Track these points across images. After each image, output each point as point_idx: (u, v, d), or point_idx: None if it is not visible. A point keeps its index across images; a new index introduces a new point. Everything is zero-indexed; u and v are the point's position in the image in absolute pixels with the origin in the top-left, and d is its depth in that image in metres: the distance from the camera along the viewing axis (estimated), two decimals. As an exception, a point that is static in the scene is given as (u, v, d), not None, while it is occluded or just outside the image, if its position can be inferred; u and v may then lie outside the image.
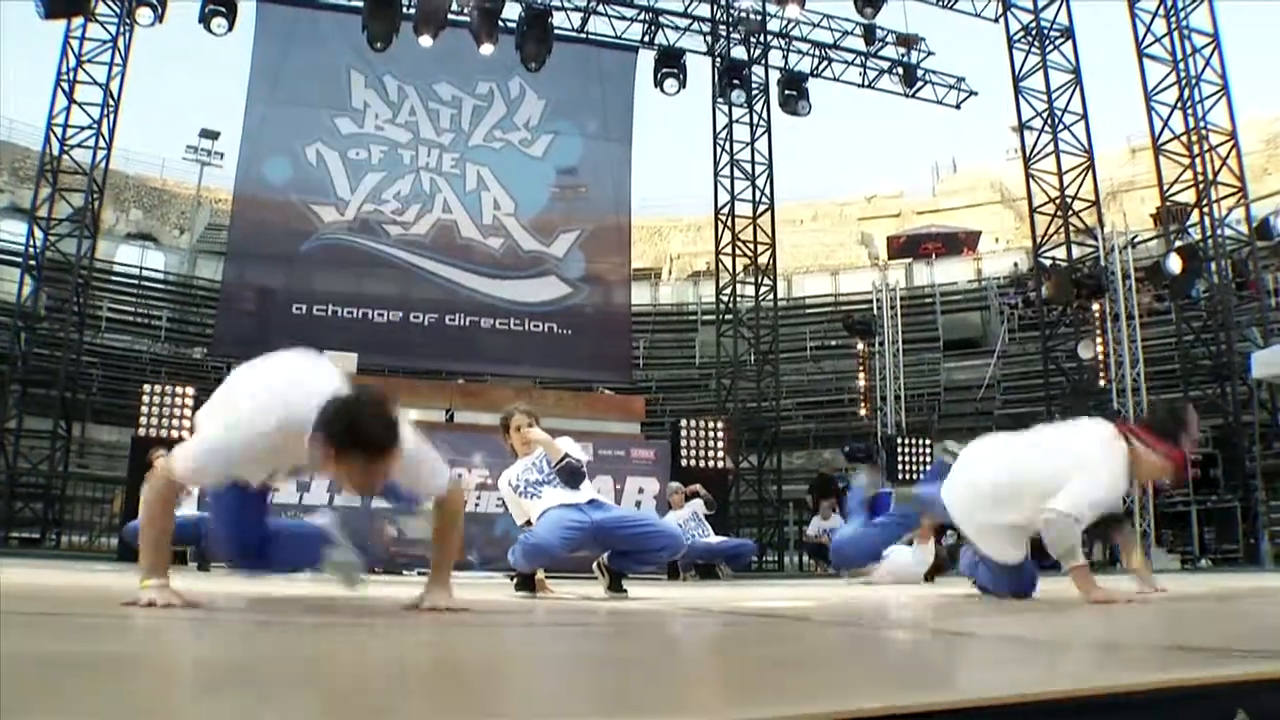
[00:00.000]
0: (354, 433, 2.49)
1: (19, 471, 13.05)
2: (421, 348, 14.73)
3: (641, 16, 16.33)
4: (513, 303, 15.37)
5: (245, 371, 3.04)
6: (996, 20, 16.17)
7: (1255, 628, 2.64)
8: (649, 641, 2.36)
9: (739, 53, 16.90)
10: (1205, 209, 13.99)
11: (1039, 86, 15.49)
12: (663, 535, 4.72)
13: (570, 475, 4.61)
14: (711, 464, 11.84)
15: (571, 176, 16.13)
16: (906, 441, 14.50)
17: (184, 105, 60.31)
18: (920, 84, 17.13)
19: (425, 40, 14.06)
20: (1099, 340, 14.56)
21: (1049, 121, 15.29)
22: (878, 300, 18.95)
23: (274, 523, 3.27)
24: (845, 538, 6.48)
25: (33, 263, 13.44)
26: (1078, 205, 15.03)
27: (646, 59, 16.39)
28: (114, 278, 22.26)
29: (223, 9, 13.66)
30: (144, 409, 10.54)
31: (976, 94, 17.55)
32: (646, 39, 16.45)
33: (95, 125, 13.85)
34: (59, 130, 13.69)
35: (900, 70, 16.98)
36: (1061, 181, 15.09)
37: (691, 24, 16.60)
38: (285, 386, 2.74)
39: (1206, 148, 14.10)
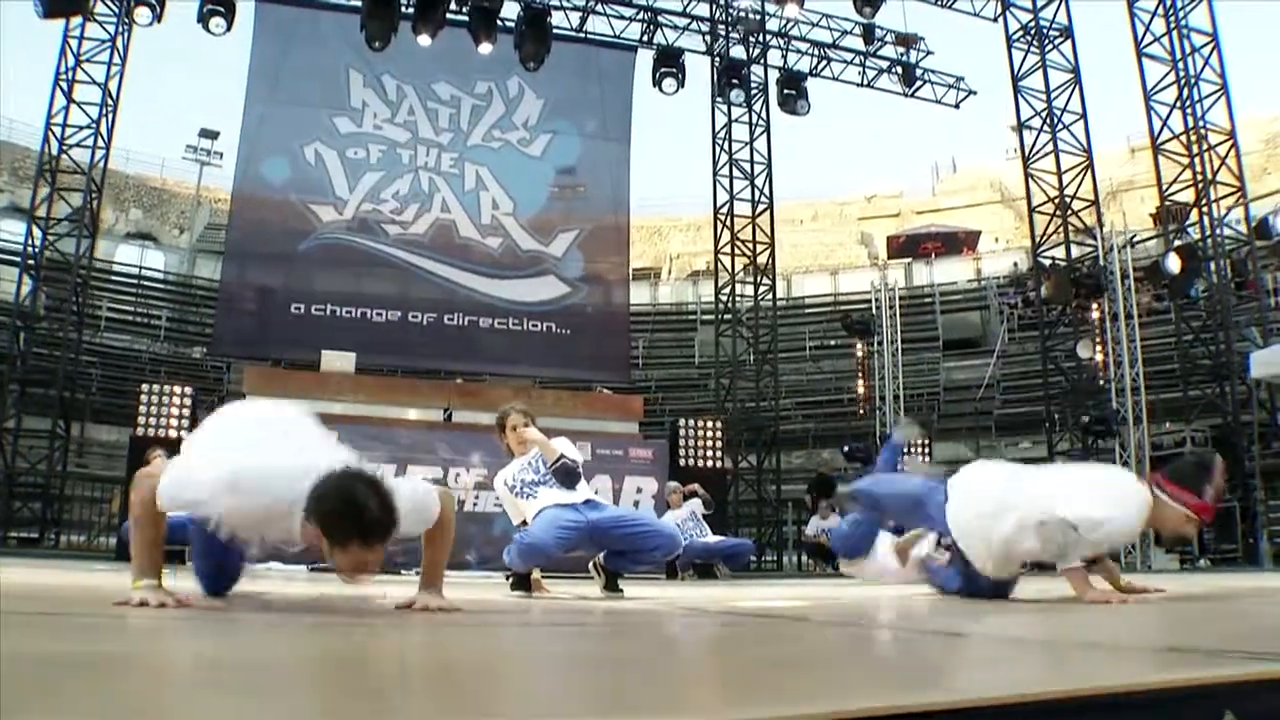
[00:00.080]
0: (355, 523, 2.42)
1: (17, 471, 13.06)
2: (420, 347, 14.72)
3: (640, 16, 16.33)
4: (511, 302, 15.37)
5: (232, 429, 2.88)
6: (995, 20, 16.18)
7: (1249, 628, 2.64)
8: (644, 641, 2.36)
9: (738, 52, 16.90)
10: (1204, 208, 13.99)
11: (1038, 86, 15.49)
12: (658, 535, 4.72)
13: (565, 476, 4.61)
14: (710, 464, 11.84)
15: (570, 176, 16.12)
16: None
17: (183, 105, 60.32)
18: (919, 83, 17.13)
19: (424, 40, 14.05)
20: (1098, 340, 14.56)
21: (1048, 121, 15.29)
22: (876, 300, 18.95)
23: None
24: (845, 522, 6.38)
25: (31, 262, 13.44)
26: (1077, 205, 15.02)
27: (645, 58, 16.41)
28: (113, 277, 22.27)
29: (221, 8, 13.65)
30: (142, 409, 10.54)
31: (975, 93, 17.57)
32: (645, 38, 16.45)
33: (94, 125, 13.86)
34: (58, 130, 13.70)
35: (899, 70, 16.98)
36: (1060, 181, 15.09)
37: (690, 23, 16.60)
38: (274, 470, 2.61)
39: (1205, 147, 14.10)
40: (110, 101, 14.01)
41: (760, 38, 16.97)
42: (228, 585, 3.20)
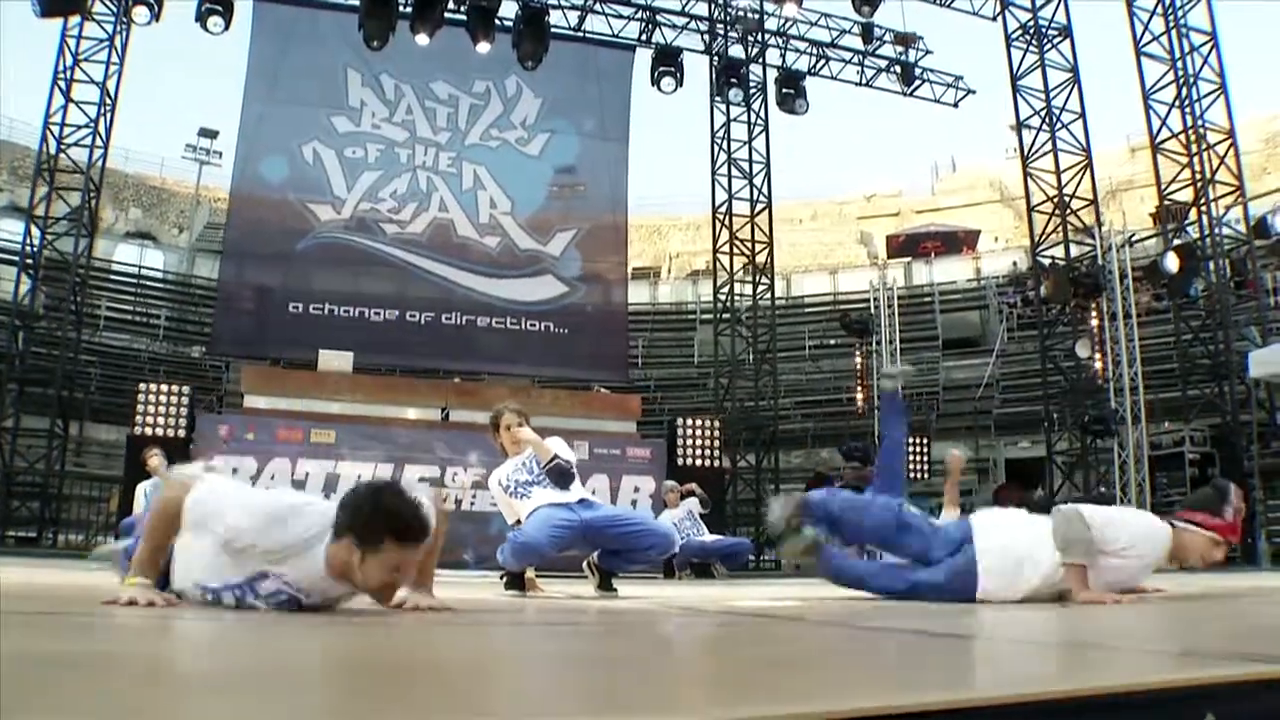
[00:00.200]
0: (388, 521, 2.44)
1: (16, 470, 13.06)
2: (418, 346, 14.72)
3: (639, 15, 16.32)
4: (510, 302, 15.36)
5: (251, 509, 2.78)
6: (994, 19, 16.18)
7: (1243, 629, 2.63)
8: (638, 641, 2.35)
9: (736, 51, 16.88)
10: (1203, 208, 13.98)
11: (1037, 85, 15.48)
12: (653, 534, 4.71)
13: (559, 476, 4.60)
14: (707, 463, 11.84)
15: (569, 175, 16.12)
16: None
17: (183, 104, 60.34)
18: (918, 83, 17.13)
19: (422, 39, 14.04)
20: (1096, 339, 14.56)
21: (1047, 120, 15.28)
22: (875, 300, 18.94)
23: None
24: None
25: (30, 262, 13.43)
26: (1076, 204, 15.02)
27: (644, 58, 16.41)
28: (113, 276, 22.26)
29: (219, 8, 13.64)
30: (140, 408, 10.55)
31: (974, 92, 17.57)
32: (644, 37, 16.44)
33: (92, 124, 13.85)
34: (56, 129, 13.70)
35: (898, 69, 16.97)
36: (1059, 180, 15.08)
37: (689, 22, 16.59)
38: (308, 505, 2.68)
39: (1204, 146, 14.09)
40: (109, 101, 14.00)
41: (759, 37, 16.96)
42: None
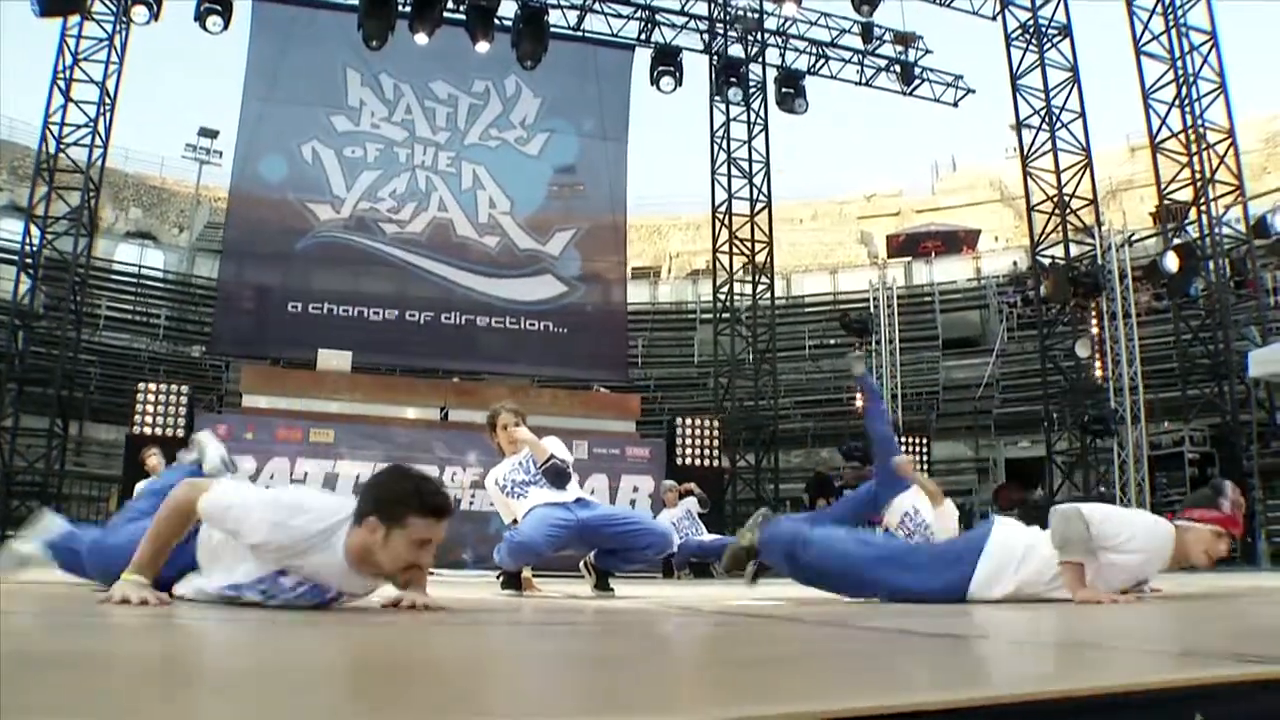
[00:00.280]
0: (415, 493, 2.49)
1: (15, 470, 13.07)
2: (418, 346, 14.73)
3: (638, 14, 16.32)
4: (509, 301, 15.37)
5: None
6: (994, 18, 16.18)
7: (1237, 629, 2.63)
8: (634, 641, 2.35)
9: (736, 51, 16.88)
10: (1202, 207, 13.97)
11: (1037, 85, 15.48)
12: (649, 534, 4.71)
13: (556, 476, 4.60)
14: (707, 462, 11.84)
15: (569, 175, 16.13)
16: (903, 440, 14.48)
17: (184, 104, 60.32)
18: (918, 82, 17.13)
19: (421, 38, 14.05)
20: (1096, 339, 14.55)
21: (1047, 120, 15.27)
22: (875, 299, 18.94)
23: None
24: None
25: (29, 261, 13.44)
26: (1076, 204, 15.01)
27: (643, 57, 16.41)
28: (113, 276, 22.25)
29: (218, 7, 13.64)
30: (139, 407, 10.55)
31: (974, 92, 17.57)
32: (643, 37, 16.44)
33: (92, 124, 13.87)
34: (55, 129, 13.71)
35: (898, 68, 16.98)
36: (1059, 180, 15.08)
37: (688, 22, 16.59)
38: (326, 500, 2.73)
39: (1204, 146, 14.08)
40: (108, 100, 14.01)
41: (758, 36, 16.96)
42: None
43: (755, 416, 16.12)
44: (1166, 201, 14.63)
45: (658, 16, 16.37)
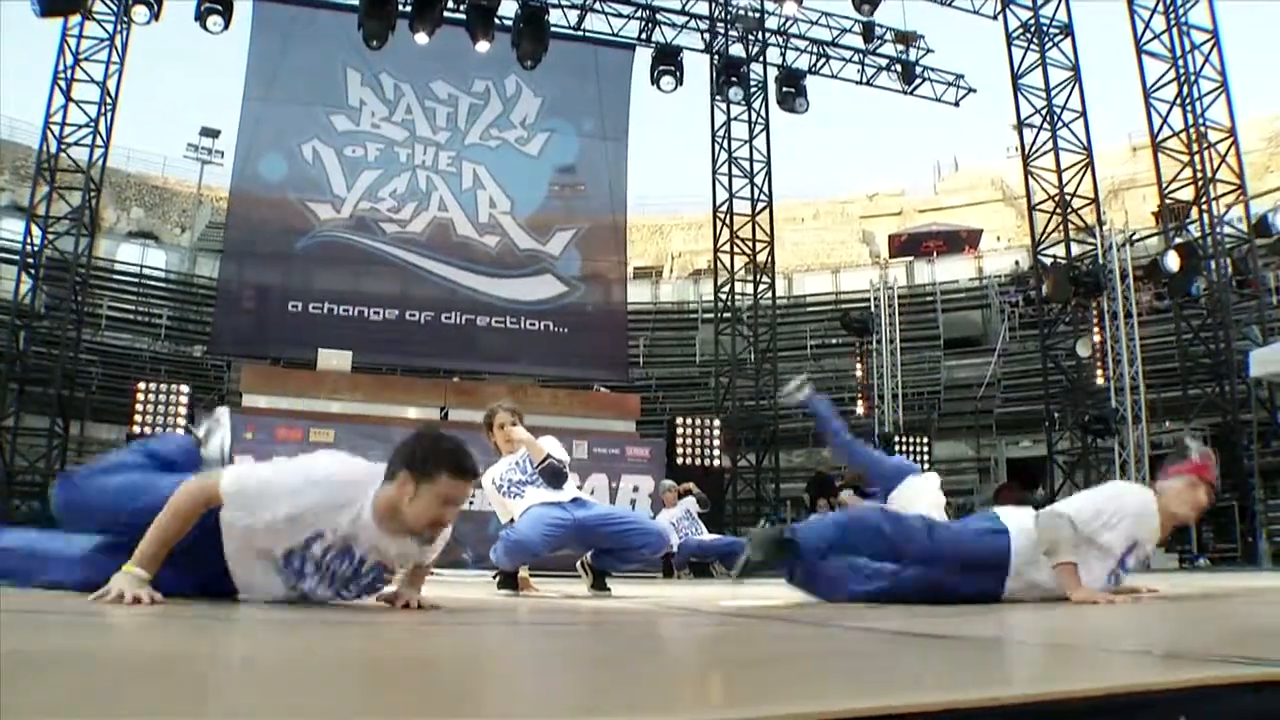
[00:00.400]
0: (448, 451, 2.60)
1: (16, 470, 13.09)
2: (418, 346, 14.76)
3: (638, 14, 16.33)
4: (509, 301, 15.39)
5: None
6: (995, 17, 16.17)
7: (1232, 630, 2.62)
8: (629, 641, 2.34)
9: (737, 50, 16.88)
10: (1204, 206, 13.95)
11: (1038, 84, 15.46)
12: (646, 533, 4.70)
13: (552, 476, 4.60)
14: (707, 462, 11.83)
15: (569, 175, 16.14)
16: (904, 440, 14.51)
17: (186, 104, 60.45)
18: (919, 81, 17.13)
19: (421, 38, 14.06)
20: (1097, 339, 14.52)
21: (1048, 119, 15.26)
22: (876, 298, 18.92)
23: None
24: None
25: (30, 261, 13.46)
26: (1077, 203, 14.99)
27: (644, 56, 16.42)
28: (115, 276, 22.28)
29: (219, 6, 13.67)
30: (138, 407, 10.57)
31: (975, 91, 17.57)
32: (643, 36, 16.44)
33: (93, 123, 13.89)
34: (56, 128, 13.73)
35: (899, 67, 16.98)
36: (1060, 179, 15.06)
37: (689, 21, 16.60)
38: (351, 464, 2.80)
39: (1205, 145, 14.06)
40: (109, 100, 14.04)
41: (759, 35, 16.96)
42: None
43: (756, 416, 16.12)
44: (1168, 201, 14.61)
45: (658, 16, 16.38)
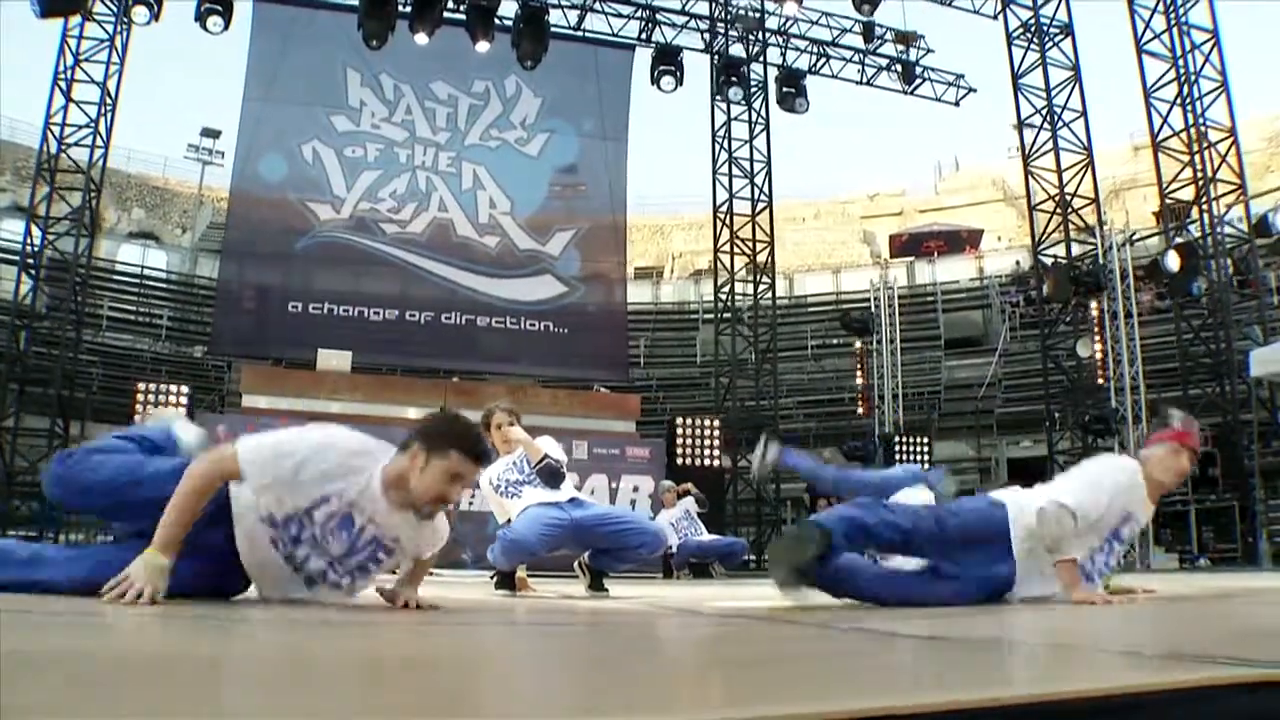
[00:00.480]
0: (460, 430, 2.71)
1: (16, 470, 13.09)
2: (418, 346, 14.76)
3: (638, 14, 16.32)
4: (509, 301, 15.39)
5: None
6: (995, 17, 16.16)
7: (1226, 631, 2.62)
8: (626, 641, 2.34)
9: (737, 50, 16.87)
10: (1204, 206, 13.95)
11: (1038, 84, 15.46)
12: (642, 533, 4.71)
13: (550, 476, 4.60)
14: (706, 462, 11.83)
15: (569, 175, 16.15)
16: (903, 440, 14.51)
17: (187, 104, 60.50)
18: (919, 81, 17.12)
19: (421, 38, 14.07)
20: (1097, 338, 14.53)
21: (1048, 119, 15.25)
22: (876, 298, 18.93)
23: None
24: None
25: (30, 261, 13.47)
26: (1077, 203, 14.99)
27: (644, 57, 16.41)
28: (116, 276, 22.30)
29: (219, 7, 13.67)
30: (138, 407, 10.57)
31: (975, 91, 17.56)
32: (643, 36, 16.44)
33: (93, 124, 13.90)
34: (57, 129, 13.74)
35: (899, 67, 16.98)
36: (1060, 179, 15.05)
37: (689, 21, 16.59)
38: (362, 438, 2.83)
39: (1206, 145, 14.05)
40: (109, 101, 14.04)
41: (759, 36, 16.95)
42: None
43: (756, 416, 16.12)
44: (1168, 200, 14.61)
45: (658, 16, 16.37)
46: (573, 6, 15.93)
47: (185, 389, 11.11)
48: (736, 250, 16.74)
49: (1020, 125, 15.67)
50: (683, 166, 64.87)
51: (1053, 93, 15.29)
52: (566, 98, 16.10)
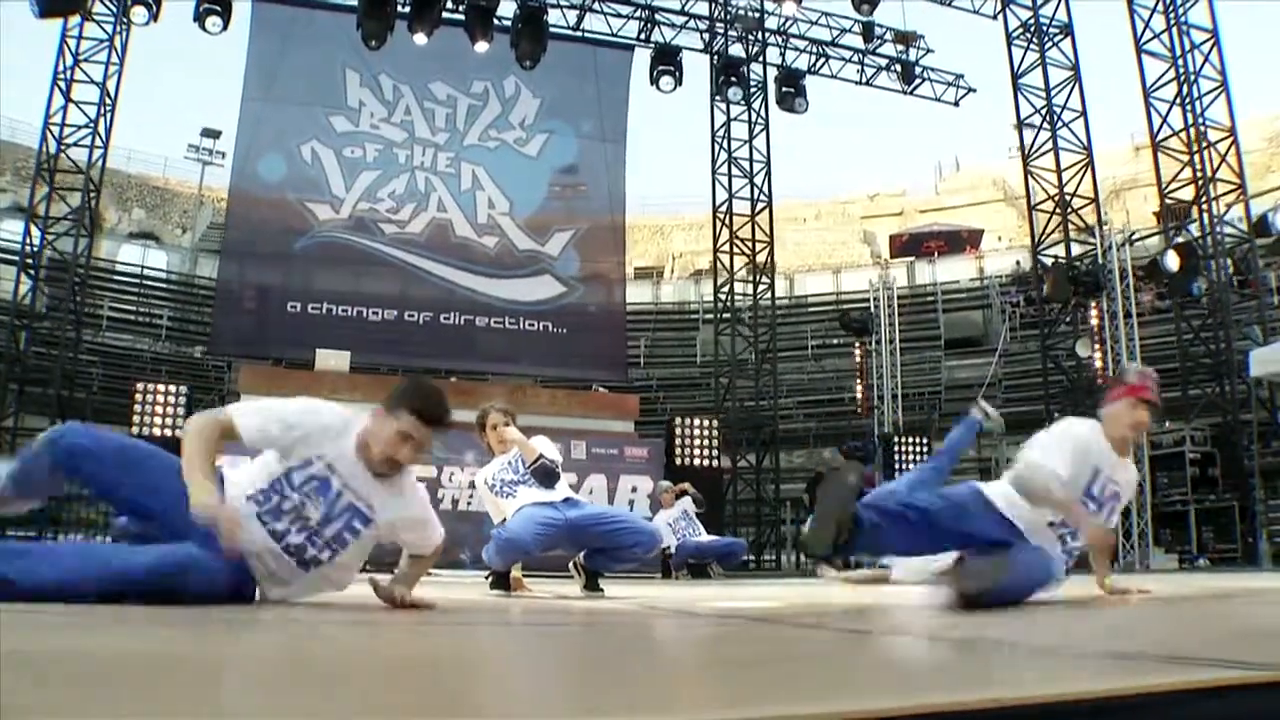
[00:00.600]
0: (417, 392, 2.81)
1: (16, 470, 13.07)
2: (417, 346, 14.75)
3: (638, 14, 16.31)
4: (508, 301, 15.39)
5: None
6: (995, 17, 16.16)
7: (1221, 631, 2.62)
8: (621, 641, 2.34)
9: (736, 50, 16.87)
10: (1204, 206, 13.94)
11: (1038, 84, 15.46)
12: (638, 532, 4.71)
13: (545, 476, 4.61)
14: (705, 462, 11.82)
15: (569, 175, 16.15)
16: (903, 440, 14.51)
17: (187, 104, 60.49)
18: (919, 81, 17.12)
19: (420, 38, 14.07)
20: (1097, 339, 14.52)
21: (1048, 119, 15.25)
22: (875, 299, 18.92)
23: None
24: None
25: (30, 261, 13.48)
26: (1077, 203, 14.99)
27: (643, 57, 16.41)
28: (116, 277, 22.30)
29: (217, 7, 13.67)
30: (137, 407, 10.57)
31: (975, 91, 17.55)
32: (643, 36, 16.43)
33: (92, 124, 13.90)
34: (56, 129, 13.75)
35: (899, 67, 16.97)
36: (1060, 179, 15.05)
37: (688, 21, 16.58)
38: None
39: (1205, 144, 14.05)
40: (109, 101, 14.06)
41: (758, 36, 16.95)
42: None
43: (756, 416, 16.12)
44: (1168, 200, 14.60)
45: (657, 16, 16.36)
46: (571, 6, 15.93)
47: (184, 389, 11.09)
48: (736, 250, 16.74)
49: (1020, 125, 15.67)
50: (683, 166, 64.90)
51: (1052, 93, 15.29)
52: (565, 98, 16.10)
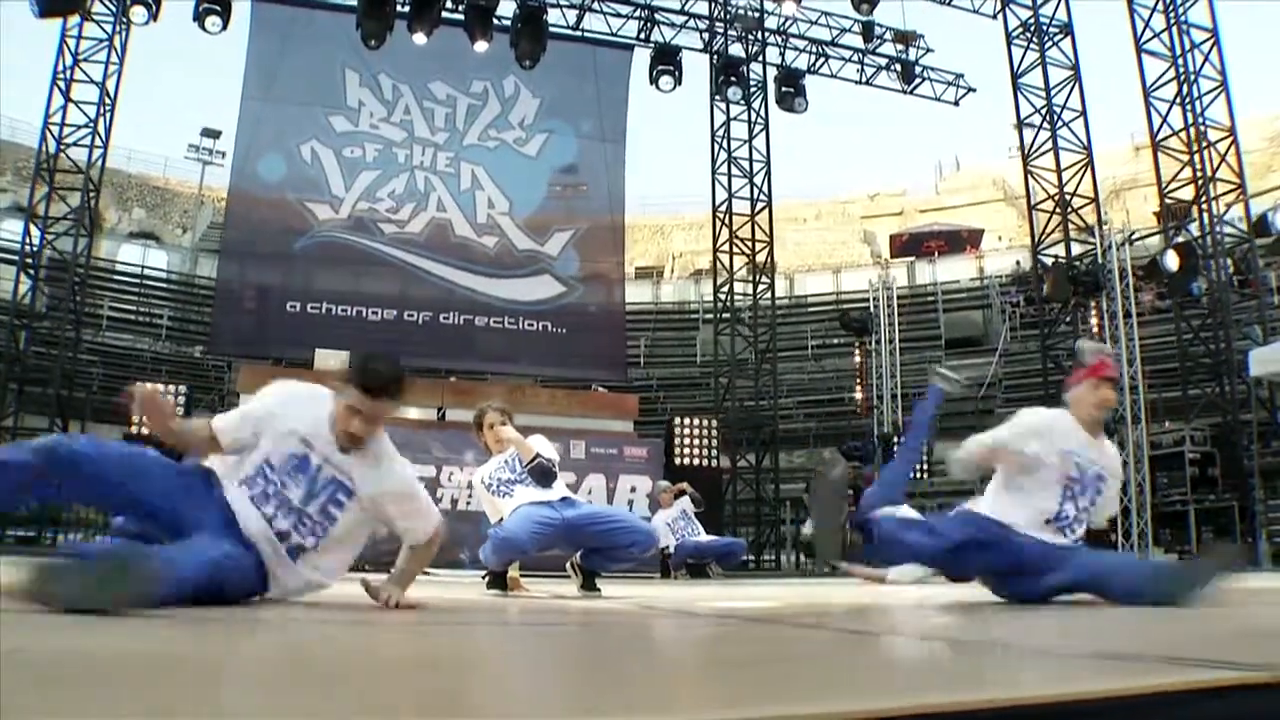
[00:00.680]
0: (361, 368, 2.91)
1: (16, 469, 13.06)
2: (417, 346, 14.72)
3: (637, 14, 16.31)
4: (508, 301, 15.39)
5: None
6: (995, 16, 16.15)
7: (1215, 632, 2.62)
8: (617, 641, 2.35)
9: (736, 50, 16.86)
10: (1204, 205, 13.94)
11: (1038, 83, 15.44)
12: (633, 531, 4.71)
13: (542, 475, 4.61)
14: (704, 462, 11.82)
15: (569, 175, 16.14)
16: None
17: (187, 104, 60.45)
18: (918, 81, 17.12)
19: (419, 38, 14.07)
20: (1097, 338, 14.50)
21: (1048, 118, 15.24)
22: (875, 299, 18.93)
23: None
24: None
25: (30, 261, 13.47)
26: (1077, 202, 14.98)
27: (642, 56, 16.40)
28: (116, 276, 22.32)
29: (217, 7, 13.67)
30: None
31: (975, 90, 17.55)
32: (642, 36, 16.43)
33: (92, 124, 13.89)
34: (56, 129, 13.74)
35: (898, 67, 16.97)
36: (1060, 179, 15.04)
37: (688, 21, 16.58)
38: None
39: (1205, 144, 14.04)
40: (108, 101, 14.05)
41: (758, 35, 16.95)
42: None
43: (756, 416, 16.12)
44: (1168, 200, 14.59)
45: (657, 16, 16.36)
46: (571, 6, 15.92)
47: (183, 388, 11.08)
48: (736, 250, 16.74)
49: (1020, 125, 15.65)
50: (683, 166, 64.86)
51: (1052, 92, 15.28)
52: (565, 98, 16.09)
